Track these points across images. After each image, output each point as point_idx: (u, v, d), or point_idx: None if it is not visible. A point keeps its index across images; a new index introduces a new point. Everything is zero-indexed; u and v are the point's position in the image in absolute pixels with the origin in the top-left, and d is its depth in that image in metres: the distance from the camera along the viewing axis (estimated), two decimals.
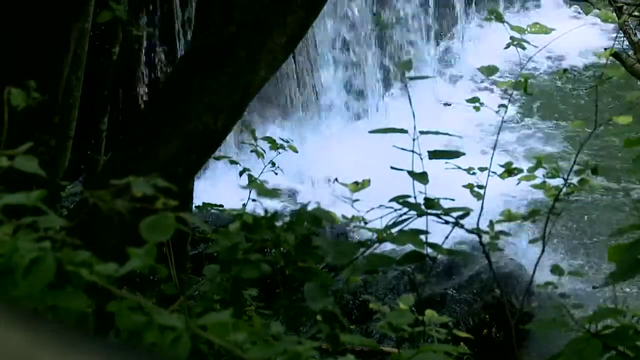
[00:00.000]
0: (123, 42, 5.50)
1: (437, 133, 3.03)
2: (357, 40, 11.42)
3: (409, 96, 3.06)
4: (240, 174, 5.84)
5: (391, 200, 2.75)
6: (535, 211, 3.18)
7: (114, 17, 4.72)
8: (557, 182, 3.42)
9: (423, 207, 2.72)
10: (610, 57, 4.66)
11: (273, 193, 2.47)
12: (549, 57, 12.93)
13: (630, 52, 6.93)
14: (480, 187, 3.72)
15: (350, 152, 10.02)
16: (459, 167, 3.74)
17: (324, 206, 2.43)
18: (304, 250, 2.35)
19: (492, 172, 3.51)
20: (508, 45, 3.86)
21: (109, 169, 3.59)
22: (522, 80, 3.77)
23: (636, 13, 6.96)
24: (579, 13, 13.55)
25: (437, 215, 2.74)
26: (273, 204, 8.04)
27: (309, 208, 2.41)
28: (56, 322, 1.35)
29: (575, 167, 3.40)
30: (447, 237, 2.79)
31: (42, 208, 2.04)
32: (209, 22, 3.45)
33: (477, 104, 4.05)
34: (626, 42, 7.21)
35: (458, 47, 13.19)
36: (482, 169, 3.78)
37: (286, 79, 10.54)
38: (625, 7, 6.71)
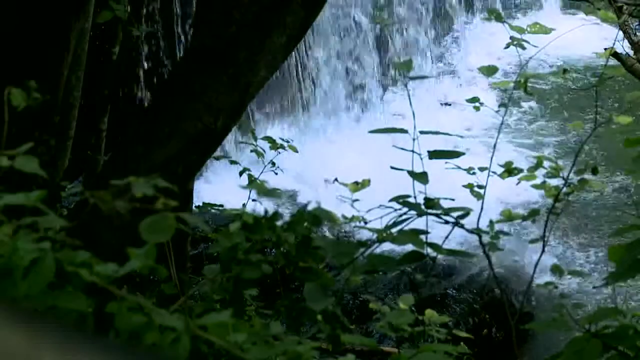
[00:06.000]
0: (123, 42, 5.50)
1: (437, 133, 3.03)
2: (357, 40, 11.41)
3: (409, 96, 3.06)
4: (240, 174, 5.83)
5: (391, 200, 2.75)
6: (535, 211, 3.18)
7: (114, 17, 4.72)
8: (557, 182, 3.42)
9: (423, 207, 2.72)
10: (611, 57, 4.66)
11: (273, 193, 2.47)
12: (548, 57, 12.92)
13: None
14: (480, 187, 3.72)
15: (350, 152, 10.02)
16: (459, 167, 3.74)
17: (324, 206, 2.43)
18: (305, 250, 2.35)
19: (492, 172, 3.51)
20: (508, 45, 3.86)
21: (109, 169, 3.59)
22: (522, 80, 3.77)
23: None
24: (577, 14, 13.55)
25: (437, 215, 2.74)
26: (273, 204, 8.04)
27: (309, 208, 2.40)
28: (56, 322, 1.35)
29: (575, 167, 3.40)
30: (447, 237, 2.79)
31: (42, 208, 2.04)
32: (209, 22, 3.44)
33: (477, 104, 4.04)
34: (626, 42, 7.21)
35: (458, 47, 13.18)
36: (482, 169, 3.77)
37: (286, 79, 10.53)
38: (625, 7, 6.71)
